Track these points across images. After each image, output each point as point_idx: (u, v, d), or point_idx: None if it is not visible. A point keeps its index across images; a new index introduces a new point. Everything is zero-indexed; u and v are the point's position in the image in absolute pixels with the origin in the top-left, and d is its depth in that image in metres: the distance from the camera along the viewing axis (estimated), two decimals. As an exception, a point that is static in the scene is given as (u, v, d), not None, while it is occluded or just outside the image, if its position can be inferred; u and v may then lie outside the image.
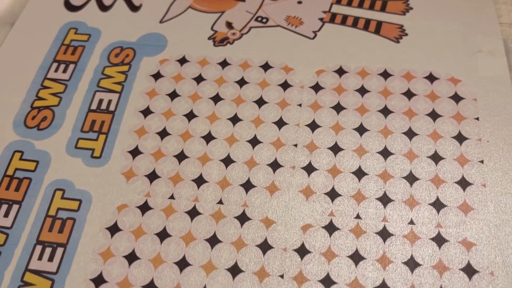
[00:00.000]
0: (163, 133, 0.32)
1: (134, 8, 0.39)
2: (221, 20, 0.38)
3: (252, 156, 0.30)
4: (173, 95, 0.34)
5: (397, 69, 0.34)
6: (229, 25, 0.37)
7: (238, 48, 0.36)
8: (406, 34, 0.36)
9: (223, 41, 0.36)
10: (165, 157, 0.31)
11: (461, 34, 0.35)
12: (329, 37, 0.36)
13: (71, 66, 0.36)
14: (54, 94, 0.34)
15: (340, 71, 0.34)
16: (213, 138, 0.31)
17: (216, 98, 0.33)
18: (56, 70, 0.35)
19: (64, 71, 0.35)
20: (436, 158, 0.30)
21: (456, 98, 0.32)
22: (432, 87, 0.33)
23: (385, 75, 0.34)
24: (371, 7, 0.38)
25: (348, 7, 0.38)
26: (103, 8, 0.39)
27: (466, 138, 0.30)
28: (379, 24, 0.37)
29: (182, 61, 0.35)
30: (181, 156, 0.31)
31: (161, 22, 0.38)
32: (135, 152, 0.31)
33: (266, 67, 0.35)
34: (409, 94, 0.33)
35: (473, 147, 0.30)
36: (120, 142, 0.32)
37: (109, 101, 0.34)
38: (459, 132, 0.31)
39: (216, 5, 0.39)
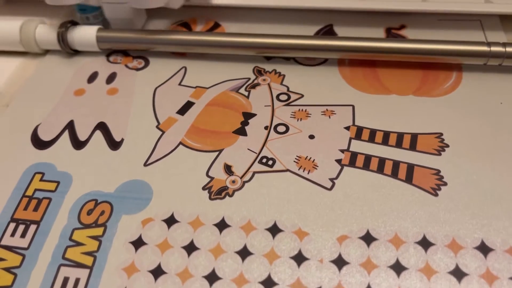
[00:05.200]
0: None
1: (114, 145, 0.33)
2: (219, 163, 0.31)
3: None
4: (158, 271, 0.26)
5: (439, 235, 0.27)
6: (229, 169, 0.31)
7: (239, 202, 0.29)
8: (445, 184, 0.29)
9: (220, 193, 0.30)
10: None
11: (513, 183, 0.29)
12: (350, 187, 0.29)
13: (32, 228, 0.29)
14: (8, 270, 0.27)
15: (368, 238, 0.27)
16: None
17: (212, 278, 0.26)
18: (12, 234, 0.28)
19: (23, 235, 0.28)
20: None
21: (520, 280, 0.25)
22: (486, 262, 0.26)
23: (425, 243, 0.27)
24: (399, 144, 0.32)
25: (370, 143, 0.32)
26: (77, 144, 0.33)
27: None
28: (411, 168, 0.30)
29: (170, 221, 0.29)
30: None
31: (145, 165, 0.31)
32: None
33: (274, 230, 0.28)
34: (458, 273, 0.26)
35: None
36: None
37: (77, 281, 0.26)
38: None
39: (213, 141, 0.33)
